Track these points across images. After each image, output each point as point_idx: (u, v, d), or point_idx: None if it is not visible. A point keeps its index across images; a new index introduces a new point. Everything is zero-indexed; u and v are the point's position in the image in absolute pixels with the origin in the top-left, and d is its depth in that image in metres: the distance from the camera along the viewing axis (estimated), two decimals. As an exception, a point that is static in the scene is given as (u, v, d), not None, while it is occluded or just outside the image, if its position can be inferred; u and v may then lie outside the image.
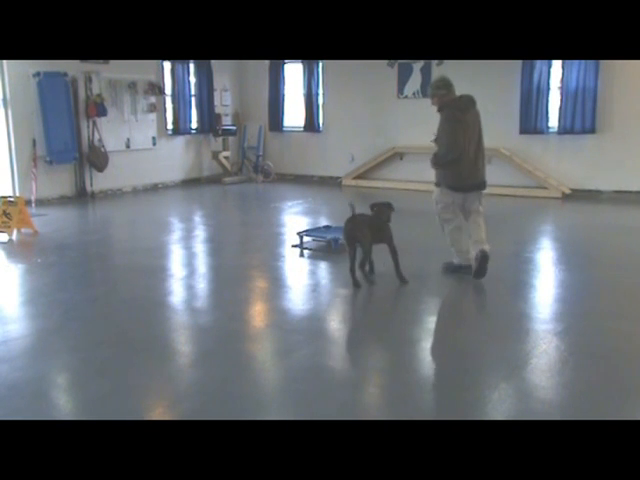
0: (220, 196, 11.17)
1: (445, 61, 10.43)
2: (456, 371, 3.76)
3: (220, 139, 12.53)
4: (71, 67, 9.79)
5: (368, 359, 3.99)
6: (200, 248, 7.22)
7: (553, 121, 10.27)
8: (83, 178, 10.37)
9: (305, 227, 7.42)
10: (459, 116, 5.34)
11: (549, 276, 5.84)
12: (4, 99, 9.34)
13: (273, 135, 13.01)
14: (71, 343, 4.21)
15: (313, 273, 5.98)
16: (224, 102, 12.89)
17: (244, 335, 4.39)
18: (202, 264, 6.60)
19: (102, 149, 10.41)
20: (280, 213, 9.42)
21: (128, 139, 11.00)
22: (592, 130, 9.87)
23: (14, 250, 6.94)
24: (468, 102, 5.47)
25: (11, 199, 7.58)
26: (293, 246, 6.76)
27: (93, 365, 3.81)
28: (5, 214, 7.30)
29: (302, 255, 6.50)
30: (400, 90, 11.42)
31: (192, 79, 12.10)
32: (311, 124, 12.43)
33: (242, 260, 6.50)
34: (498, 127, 9.96)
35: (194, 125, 12.28)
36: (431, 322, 4.70)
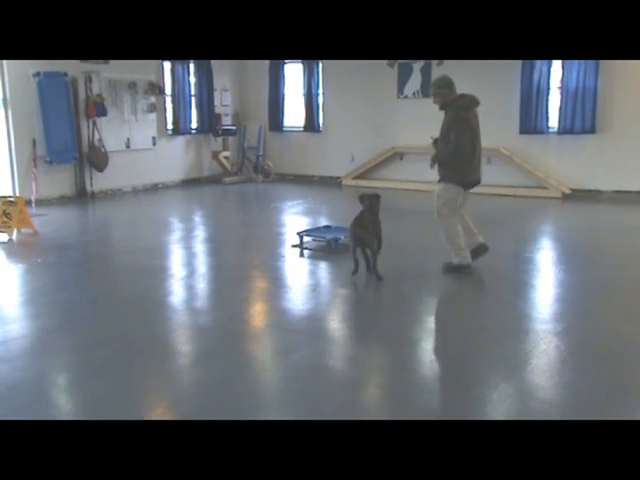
0: (220, 196, 11.16)
1: (445, 61, 10.43)
2: (456, 371, 3.76)
3: (220, 139, 12.53)
4: (71, 67, 9.79)
5: (368, 359, 3.99)
6: (200, 248, 7.22)
7: (553, 121, 10.27)
8: (83, 178, 10.37)
9: (305, 227, 7.42)
10: (465, 115, 5.45)
11: (549, 276, 5.84)
12: (4, 99, 9.34)
13: (273, 135, 13.01)
14: (71, 343, 4.21)
15: (313, 273, 5.98)
16: (224, 102, 12.89)
17: (244, 335, 4.39)
18: (202, 264, 6.60)
19: (102, 149, 10.40)
20: (280, 213, 9.42)
21: (128, 139, 11.00)
22: (592, 130, 9.87)
23: (14, 250, 6.94)
24: (471, 101, 5.56)
25: (11, 199, 7.58)
26: (293, 246, 6.76)
27: (93, 365, 3.81)
28: (5, 214, 7.30)
29: (302, 255, 6.49)
30: (400, 90, 11.42)
31: (192, 79, 12.10)
32: (311, 124, 12.43)
33: (242, 260, 6.50)
34: (498, 127, 9.97)
35: (194, 125, 12.28)
36: (431, 322, 4.70)
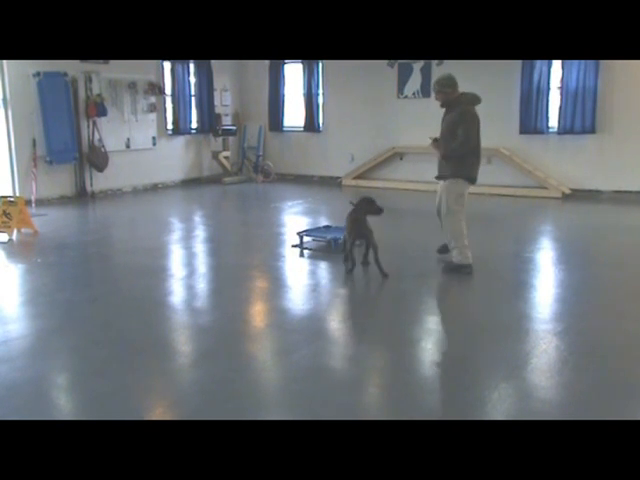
0: (220, 196, 11.17)
1: (445, 61, 10.42)
2: (456, 371, 3.76)
3: (220, 139, 12.53)
4: (71, 67, 9.79)
5: (368, 359, 3.99)
6: (200, 248, 7.22)
7: (553, 121, 10.27)
8: (83, 178, 10.37)
9: (305, 227, 7.42)
10: (472, 110, 5.57)
11: (549, 276, 5.84)
12: (4, 99, 9.34)
13: (273, 135, 13.01)
14: (71, 343, 4.21)
15: (313, 273, 5.98)
16: (224, 102, 12.89)
17: (244, 335, 4.39)
18: (202, 264, 6.60)
19: (102, 149, 10.40)
20: (280, 213, 9.42)
21: (128, 139, 11.00)
22: (592, 130, 9.87)
23: (14, 250, 6.93)
24: (474, 98, 5.66)
25: (11, 199, 7.58)
26: (293, 246, 6.76)
27: (93, 365, 3.81)
28: (5, 214, 7.30)
29: (302, 255, 6.49)
30: (400, 90, 11.42)
31: (192, 79, 12.10)
32: (311, 124, 12.43)
33: (242, 260, 6.50)
34: (498, 127, 9.97)
35: (194, 125, 12.28)
36: (431, 322, 4.70)
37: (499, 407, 3.25)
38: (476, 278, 5.64)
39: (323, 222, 7.90)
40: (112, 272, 6.22)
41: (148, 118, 11.29)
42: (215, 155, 12.57)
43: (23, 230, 7.57)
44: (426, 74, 11.01)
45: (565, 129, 10.06)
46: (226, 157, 12.64)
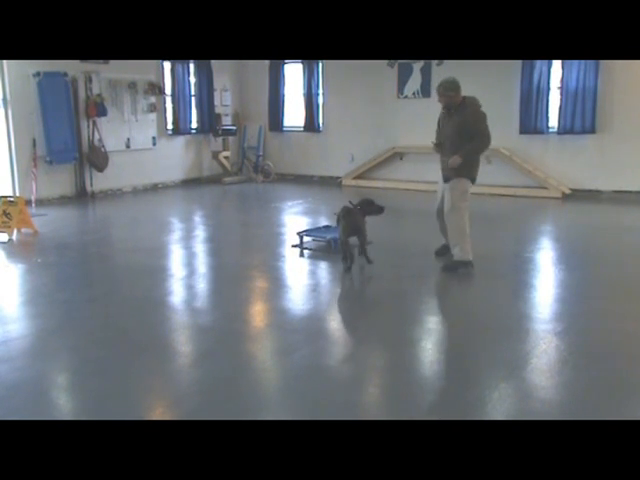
0: (220, 196, 11.17)
1: (445, 61, 10.43)
2: (456, 371, 3.76)
3: (220, 139, 12.54)
4: (71, 67, 9.79)
5: (368, 359, 3.99)
6: (200, 248, 7.22)
7: (553, 121, 10.27)
8: (83, 178, 10.37)
9: (305, 227, 7.42)
10: (481, 110, 5.68)
11: (549, 276, 5.84)
12: (4, 99, 9.34)
13: (273, 135, 13.01)
14: (71, 343, 4.21)
15: (313, 273, 5.98)
16: (224, 102, 12.89)
17: (244, 335, 4.39)
18: (202, 264, 6.60)
19: (102, 149, 10.40)
20: (280, 213, 9.42)
21: (128, 139, 11.00)
22: (592, 130, 9.87)
23: (14, 250, 6.93)
24: (476, 101, 5.73)
25: (11, 199, 7.58)
26: (293, 246, 6.76)
27: (93, 365, 3.81)
28: (5, 214, 7.30)
29: (302, 255, 6.50)
30: (400, 90, 11.42)
31: (192, 79, 12.10)
32: (311, 124, 12.43)
33: (242, 260, 6.50)
34: (498, 127, 9.89)
35: (194, 125, 12.28)
36: (431, 322, 4.70)
37: (499, 407, 3.25)
38: (476, 278, 5.64)
39: (323, 222, 7.89)
40: (112, 272, 6.22)
41: (148, 118, 11.29)
42: (215, 155, 12.57)
43: (23, 230, 7.57)
44: (426, 74, 11.01)
45: (565, 129, 10.06)
46: (226, 157, 12.64)
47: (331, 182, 12.13)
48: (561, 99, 10.04)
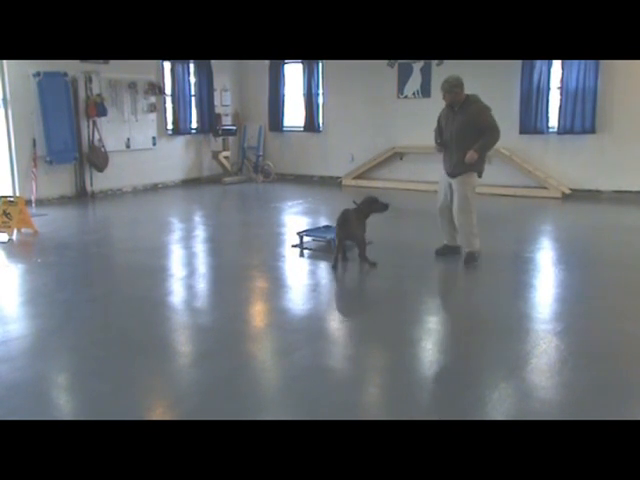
0: (220, 196, 11.16)
1: (445, 61, 10.43)
2: (456, 371, 3.76)
3: (220, 139, 12.54)
4: (71, 67, 9.78)
5: (368, 359, 3.99)
6: (200, 248, 7.22)
7: (553, 121, 10.27)
8: (83, 178, 10.37)
9: (305, 227, 7.42)
10: (487, 105, 5.81)
11: (549, 276, 5.84)
12: (4, 99, 9.34)
13: (273, 135, 13.01)
14: (71, 343, 4.21)
15: (313, 273, 5.98)
16: (224, 102, 12.89)
17: (244, 335, 4.38)
18: (202, 264, 6.60)
19: (102, 149, 10.40)
20: (280, 213, 9.42)
21: (128, 139, 11.00)
22: (592, 130, 9.87)
23: (14, 250, 6.93)
24: (478, 98, 5.87)
25: (11, 199, 7.58)
26: (293, 246, 6.76)
27: (93, 365, 3.81)
28: (5, 214, 7.30)
29: (302, 255, 6.50)
30: (400, 90, 11.42)
31: (192, 79, 12.10)
32: (311, 124, 12.43)
33: (242, 260, 6.50)
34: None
35: (194, 125, 12.28)
36: (431, 322, 4.70)
37: (499, 407, 3.25)
38: (476, 278, 5.65)
39: (323, 222, 7.90)
40: (112, 272, 6.22)
41: (148, 118, 11.29)
42: (215, 155, 12.57)
43: (23, 230, 7.57)
44: (426, 74, 11.01)
45: (565, 129, 10.06)
46: (226, 157, 12.64)
47: (331, 182, 12.13)
48: (561, 99, 10.04)
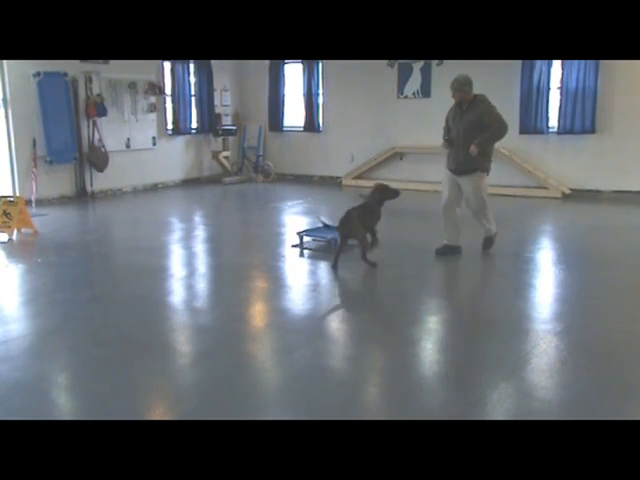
0: (220, 196, 11.16)
1: (445, 61, 10.43)
2: (456, 371, 3.76)
3: (220, 139, 12.53)
4: (71, 67, 9.79)
5: (368, 359, 3.99)
6: (200, 248, 7.22)
7: (553, 121, 10.27)
8: (83, 178, 10.37)
9: (305, 227, 7.42)
10: (493, 104, 5.94)
11: (549, 276, 5.84)
12: (4, 99, 9.34)
13: (273, 135, 13.01)
14: (71, 343, 4.21)
15: (313, 273, 5.98)
16: (224, 102, 12.89)
17: (244, 335, 4.38)
18: (202, 264, 6.60)
19: (102, 149, 10.40)
20: (280, 213, 9.42)
21: (128, 139, 11.00)
22: (592, 130, 9.87)
23: (14, 250, 6.93)
24: (485, 96, 6.01)
25: (11, 199, 7.58)
26: (293, 246, 6.76)
27: (93, 365, 3.81)
28: (5, 214, 7.30)
29: (302, 255, 6.49)
30: (400, 90, 11.42)
31: (192, 79, 12.10)
32: (311, 124, 12.43)
33: (242, 260, 6.50)
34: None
35: (194, 125, 12.28)
36: (431, 322, 4.70)
37: (499, 407, 3.25)
38: (476, 278, 5.65)
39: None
40: (112, 272, 6.22)
41: (148, 118, 11.29)
42: (215, 155, 12.56)
43: (23, 230, 7.57)
44: (426, 74, 11.01)
45: (565, 129, 10.06)
46: (226, 157, 12.64)
47: (331, 182, 12.13)
48: (561, 99, 10.04)
